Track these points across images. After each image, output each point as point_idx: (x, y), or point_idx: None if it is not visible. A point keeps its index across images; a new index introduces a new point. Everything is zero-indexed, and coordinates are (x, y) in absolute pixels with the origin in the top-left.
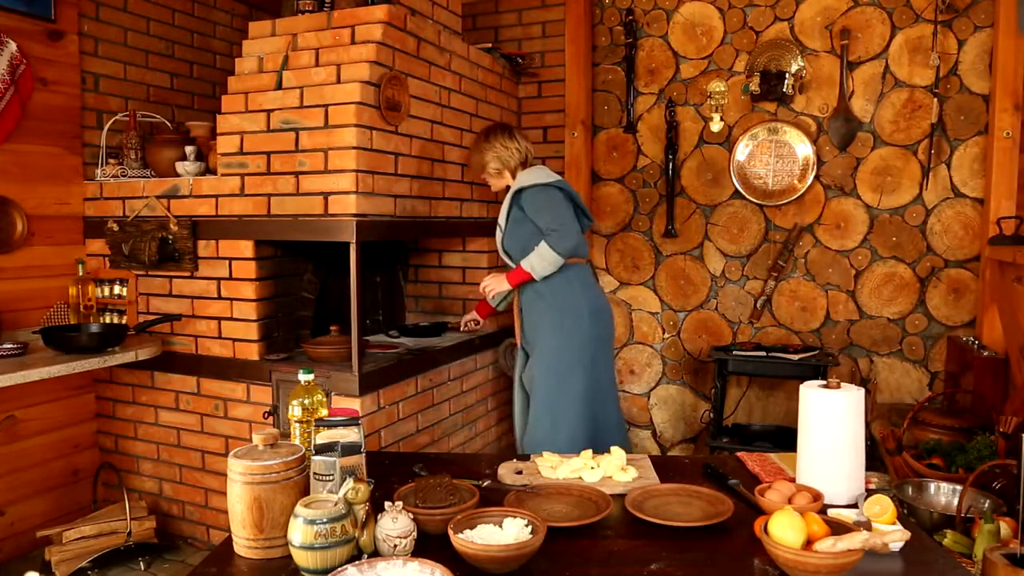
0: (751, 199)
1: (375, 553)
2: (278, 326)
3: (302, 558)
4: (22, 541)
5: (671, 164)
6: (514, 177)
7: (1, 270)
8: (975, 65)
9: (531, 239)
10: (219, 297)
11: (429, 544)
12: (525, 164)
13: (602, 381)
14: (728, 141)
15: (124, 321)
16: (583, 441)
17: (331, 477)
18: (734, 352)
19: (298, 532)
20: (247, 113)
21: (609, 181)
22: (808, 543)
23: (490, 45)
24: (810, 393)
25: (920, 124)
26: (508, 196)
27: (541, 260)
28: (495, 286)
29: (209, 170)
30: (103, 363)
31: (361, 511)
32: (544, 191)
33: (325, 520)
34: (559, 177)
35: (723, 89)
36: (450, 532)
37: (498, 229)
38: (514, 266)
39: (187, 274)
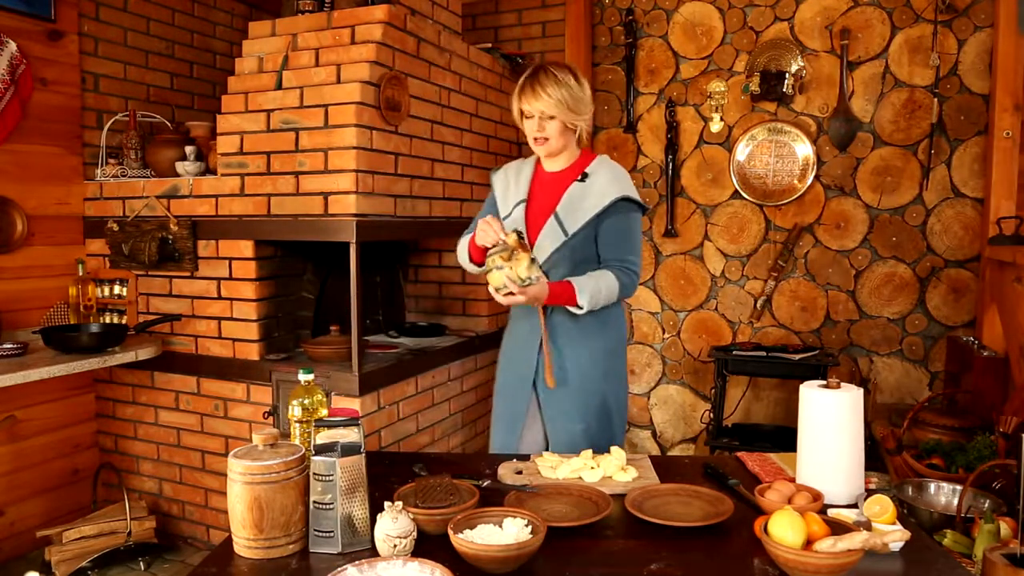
0: (751, 199)
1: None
2: (278, 326)
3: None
4: (22, 541)
5: (671, 164)
6: (580, 145)
7: (1, 270)
8: (975, 65)
9: (586, 263)
10: (219, 297)
11: (429, 544)
12: (587, 134)
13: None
14: (728, 141)
15: (124, 321)
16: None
17: (331, 477)
18: (734, 352)
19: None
20: (247, 113)
21: None
22: (808, 543)
23: (490, 45)
24: (810, 393)
25: (920, 124)
26: (585, 187)
27: (609, 295)
28: (533, 292)
29: (209, 170)
30: (103, 363)
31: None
32: (636, 214)
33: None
34: None
35: (723, 89)
36: (450, 532)
37: (555, 224)
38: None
39: (187, 274)
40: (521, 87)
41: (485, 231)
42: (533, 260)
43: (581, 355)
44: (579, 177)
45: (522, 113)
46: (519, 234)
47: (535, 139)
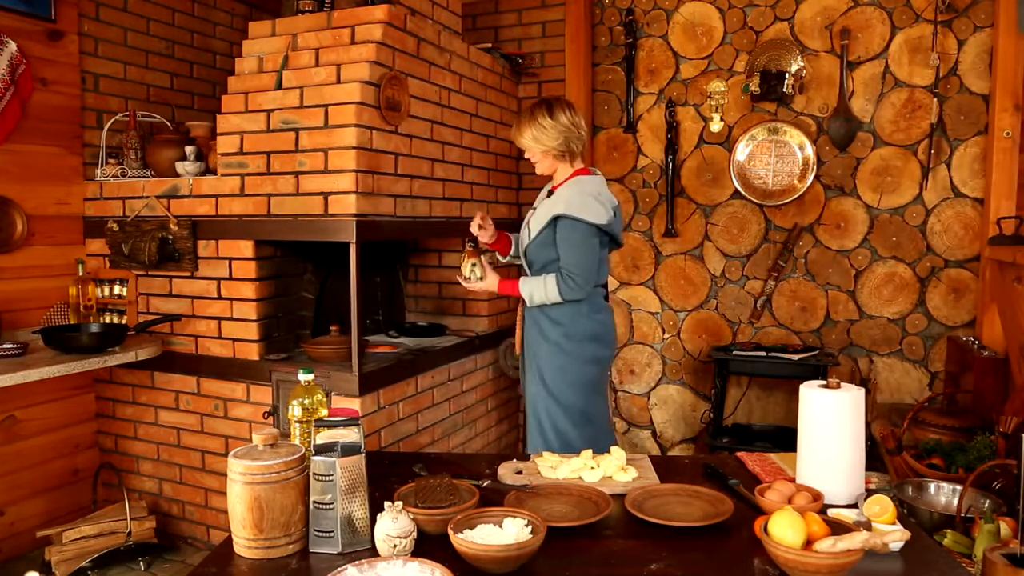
0: (751, 199)
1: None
2: (278, 326)
3: None
4: (22, 541)
5: (671, 164)
6: (573, 164)
7: (1, 270)
8: (975, 65)
9: (552, 264)
10: (219, 297)
11: (429, 544)
12: (571, 154)
13: (600, 402)
14: (728, 141)
15: (124, 321)
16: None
17: (331, 477)
18: (734, 352)
19: None
20: (247, 113)
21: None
22: (808, 543)
23: (490, 45)
24: (810, 393)
25: (920, 124)
26: (546, 202)
27: (543, 294)
28: (482, 286)
29: (209, 170)
30: (103, 363)
31: None
32: (579, 229)
33: None
34: (605, 208)
35: (723, 89)
36: (450, 532)
37: (525, 228)
38: (527, 271)
39: (187, 274)
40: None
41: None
42: (474, 265)
43: (536, 338)
44: (549, 195)
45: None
46: (472, 243)
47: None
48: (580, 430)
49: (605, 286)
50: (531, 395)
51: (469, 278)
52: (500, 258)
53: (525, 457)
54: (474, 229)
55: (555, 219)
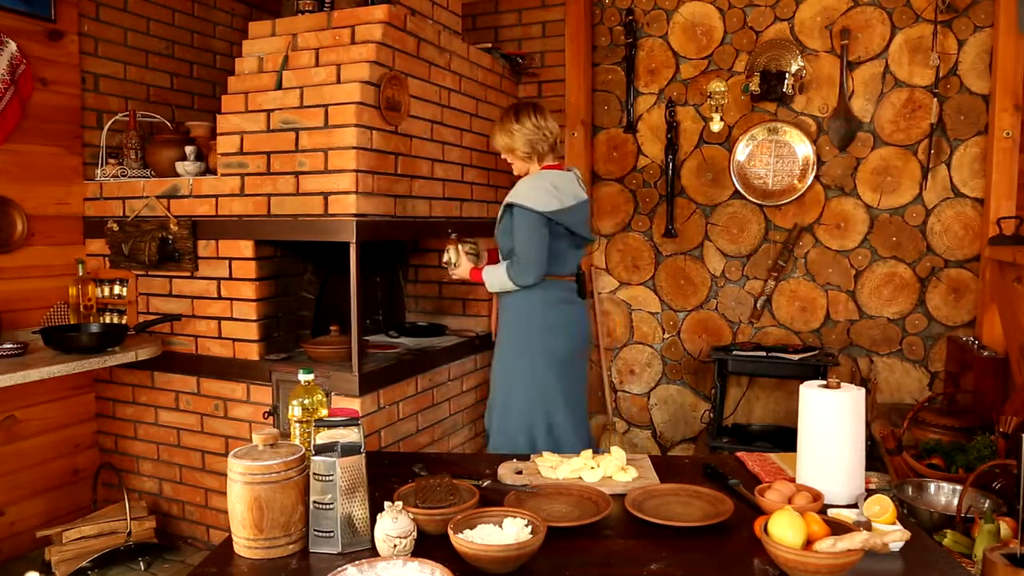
0: (751, 199)
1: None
2: (278, 326)
3: None
4: (22, 541)
5: (671, 164)
6: (540, 163)
7: (1, 270)
8: (975, 65)
9: (511, 251)
10: (219, 297)
11: (429, 544)
12: (538, 154)
13: (553, 392)
14: (728, 141)
15: (124, 321)
16: (525, 443)
17: (331, 477)
18: (734, 352)
19: None
20: (247, 113)
21: (609, 181)
22: (808, 543)
23: (490, 45)
24: (810, 393)
25: (920, 124)
26: (506, 199)
27: (498, 279)
28: (458, 273)
29: (209, 170)
30: (103, 363)
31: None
32: (527, 217)
33: None
34: (559, 199)
35: (723, 89)
36: (450, 532)
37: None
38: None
39: (187, 274)
40: None
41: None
42: (454, 249)
43: (507, 322)
44: (505, 201)
45: None
46: (453, 232)
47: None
48: (525, 412)
49: (577, 280)
50: (493, 372)
51: (446, 264)
52: (482, 248)
53: (525, 457)
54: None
55: (508, 208)
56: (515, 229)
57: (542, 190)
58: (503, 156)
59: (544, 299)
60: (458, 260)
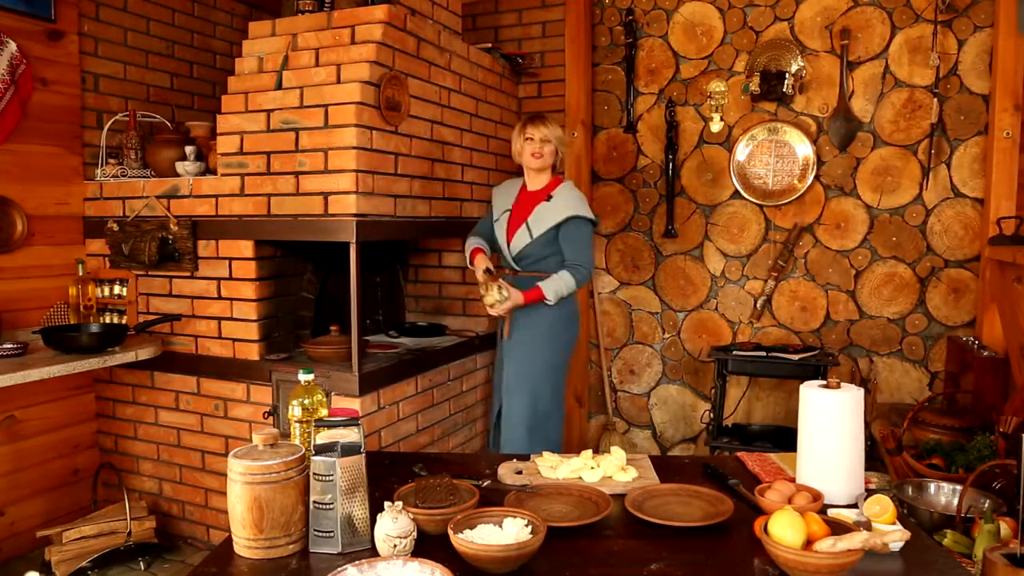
0: (751, 199)
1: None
2: (278, 326)
3: None
4: (22, 541)
5: (671, 164)
6: (554, 172)
7: (1, 270)
8: (975, 65)
9: (552, 260)
10: (219, 297)
11: (429, 544)
12: (561, 160)
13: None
14: (728, 141)
15: (124, 321)
16: (556, 441)
17: (331, 477)
18: (734, 352)
19: None
20: (247, 113)
21: (609, 181)
22: (808, 543)
23: (490, 45)
24: (810, 393)
25: (920, 124)
26: (546, 205)
27: (564, 288)
28: (509, 304)
29: (209, 170)
30: (103, 363)
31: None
32: (586, 226)
33: None
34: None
35: (723, 89)
36: (450, 532)
37: (525, 229)
38: (512, 262)
39: (187, 274)
40: (529, 120)
41: (474, 270)
42: (500, 288)
43: (530, 322)
44: (546, 198)
45: (525, 138)
46: (488, 271)
47: (533, 154)
48: (547, 421)
49: None
50: (515, 375)
51: (496, 303)
52: (509, 271)
53: (524, 457)
54: (477, 274)
55: (570, 219)
56: (578, 238)
57: (581, 197)
58: (545, 148)
59: (576, 300)
60: (509, 292)
